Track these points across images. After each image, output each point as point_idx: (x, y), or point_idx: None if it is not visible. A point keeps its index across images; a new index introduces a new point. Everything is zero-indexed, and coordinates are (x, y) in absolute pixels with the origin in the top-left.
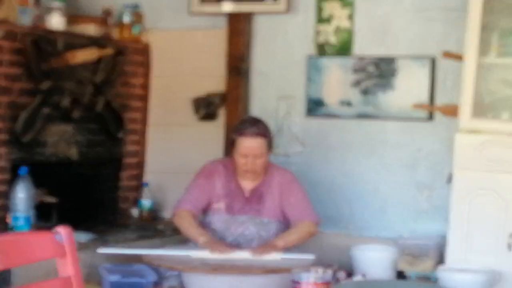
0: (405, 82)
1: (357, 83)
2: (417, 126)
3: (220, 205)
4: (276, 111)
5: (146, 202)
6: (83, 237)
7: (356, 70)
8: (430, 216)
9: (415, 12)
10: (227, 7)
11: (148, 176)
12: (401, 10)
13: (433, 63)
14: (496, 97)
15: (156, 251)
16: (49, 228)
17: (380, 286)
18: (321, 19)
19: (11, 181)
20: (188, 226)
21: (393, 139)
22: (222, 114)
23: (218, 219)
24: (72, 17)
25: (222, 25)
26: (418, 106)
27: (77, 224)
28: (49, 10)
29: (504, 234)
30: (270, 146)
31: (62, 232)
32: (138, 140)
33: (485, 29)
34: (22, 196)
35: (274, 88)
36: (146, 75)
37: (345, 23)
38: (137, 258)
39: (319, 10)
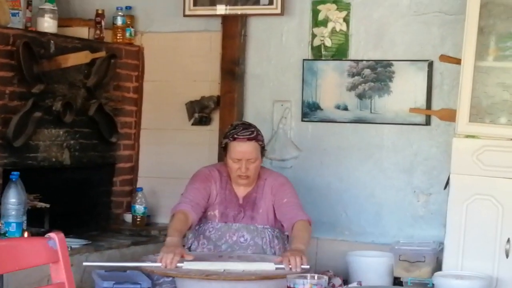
0: (401, 86)
1: (353, 87)
2: (414, 130)
3: (214, 213)
4: (271, 115)
5: (139, 207)
6: (76, 242)
7: (352, 74)
8: (427, 221)
9: (412, 16)
10: (221, 10)
11: (141, 181)
12: (398, 13)
13: (430, 67)
14: (494, 101)
15: (145, 264)
16: (41, 233)
17: None
18: (317, 22)
19: (3, 186)
20: (170, 225)
21: (389, 143)
22: (216, 118)
23: (212, 227)
24: (65, 20)
25: (216, 28)
26: (415, 110)
27: (69, 230)
28: (41, 12)
29: (501, 239)
30: (263, 150)
31: (55, 237)
32: (131, 145)
33: (482, 33)
34: (14, 201)
35: (269, 92)
36: (139, 78)
37: (341, 26)
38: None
39: (315, 13)
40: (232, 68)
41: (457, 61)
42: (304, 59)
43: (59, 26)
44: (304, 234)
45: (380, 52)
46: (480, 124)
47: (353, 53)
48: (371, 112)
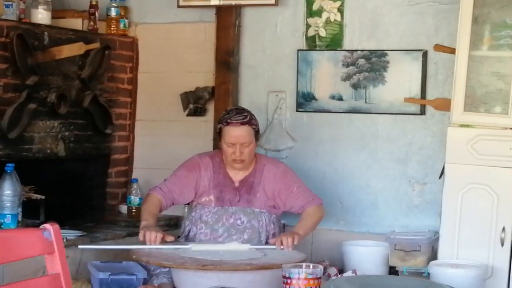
0: (396, 76)
1: (348, 77)
2: (409, 120)
3: (210, 198)
4: (266, 106)
5: (134, 198)
6: (71, 234)
7: (346, 64)
8: (422, 211)
9: (406, 5)
10: (215, 1)
11: (137, 172)
12: (392, 3)
13: (424, 56)
14: (488, 91)
15: (139, 246)
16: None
17: (371, 281)
18: (311, 12)
19: None
20: (143, 209)
21: (384, 133)
22: (211, 109)
23: (209, 211)
24: (58, 11)
25: (211, 18)
26: (410, 100)
27: (65, 221)
28: (34, 4)
29: (496, 228)
30: (257, 134)
31: (50, 229)
32: (126, 136)
33: (477, 22)
34: (9, 193)
35: (263, 83)
36: (134, 69)
37: (335, 17)
38: (126, 255)
39: (309, 3)
40: (227, 59)
41: (452, 51)
42: (298, 50)
43: (53, 17)
44: (307, 221)
45: (374, 42)
46: (475, 113)
47: (347, 43)
48: (365, 102)
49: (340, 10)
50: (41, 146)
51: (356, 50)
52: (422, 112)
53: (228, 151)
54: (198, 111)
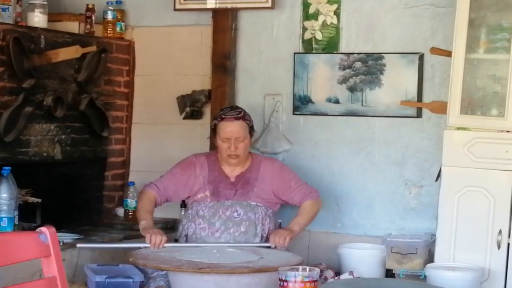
0: (392, 78)
1: (344, 80)
2: (405, 123)
3: (205, 194)
4: (262, 109)
5: (131, 202)
6: (68, 237)
7: (343, 67)
8: (419, 213)
9: (403, 9)
10: (211, 4)
11: (133, 175)
12: (388, 6)
13: (421, 59)
14: (485, 94)
15: (135, 245)
16: (33, 228)
17: (368, 284)
18: (308, 15)
19: None
20: (140, 207)
21: (381, 136)
22: (207, 112)
23: (205, 206)
24: (55, 14)
25: (207, 21)
26: (406, 103)
27: (61, 224)
28: (31, 7)
29: (492, 231)
30: (251, 130)
31: (46, 232)
32: (123, 139)
33: (473, 25)
34: (6, 196)
35: (260, 86)
36: (130, 72)
37: (331, 20)
38: (123, 258)
39: (306, 6)
40: (223, 62)
41: (448, 54)
42: (295, 53)
43: (49, 21)
44: (304, 217)
45: (371, 45)
46: (471, 116)
47: (344, 46)
48: (362, 105)
49: (337, 13)
50: (37, 149)
51: (353, 53)
52: (419, 115)
53: (223, 147)
54: (195, 114)
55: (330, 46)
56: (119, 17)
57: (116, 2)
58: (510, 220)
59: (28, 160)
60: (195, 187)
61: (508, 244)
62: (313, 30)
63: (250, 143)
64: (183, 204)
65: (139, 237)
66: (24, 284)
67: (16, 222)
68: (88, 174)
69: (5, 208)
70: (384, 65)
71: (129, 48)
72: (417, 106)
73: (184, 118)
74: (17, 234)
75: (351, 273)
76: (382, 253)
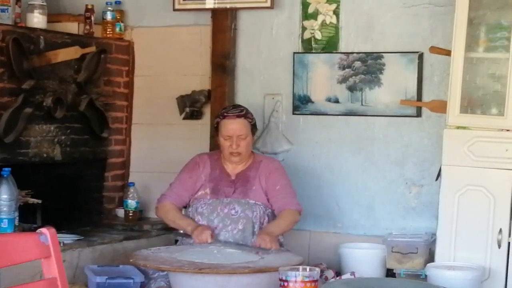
0: (392, 78)
1: (344, 80)
2: (405, 122)
3: (206, 191)
4: (262, 109)
5: (131, 202)
6: (68, 238)
7: (342, 67)
8: (419, 213)
9: (402, 8)
10: (210, 4)
11: (133, 176)
12: (388, 5)
13: (420, 58)
14: (484, 92)
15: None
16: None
17: (369, 284)
18: (307, 15)
19: None
20: (174, 218)
21: (380, 135)
22: (207, 112)
23: (204, 203)
24: (54, 15)
25: (206, 21)
26: (406, 102)
27: (61, 225)
28: (30, 8)
29: (493, 230)
30: (253, 128)
31: (46, 233)
32: (123, 140)
33: (472, 24)
34: (6, 197)
35: (260, 86)
36: (130, 73)
37: (331, 19)
38: (123, 259)
39: (305, 6)
40: (223, 62)
41: (447, 53)
42: (294, 52)
43: (49, 21)
44: (281, 220)
45: (370, 44)
46: (471, 115)
47: (343, 46)
48: (362, 104)
49: (336, 12)
50: (37, 150)
51: (352, 53)
52: (418, 114)
53: (225, 144)
54: (195, 115)
55: (330, 45)
56: (118, 17)
57: (115, 2)
58: (511, 219)
59: (28, 161)
60: (196, 185)
61: (509, 243)
62: (312, 29)
63: (252, 141)
64: None
65: (140, 238)
66: (25, 285)
67: (17, 223)
68: (88, 175)
69: (5, 209)
70: (384, 65)
71: (129, 48)
72: (417, 105)
73: (184, 119)
74: (17, 235)
75: (352, 273)
76: (383, 253)
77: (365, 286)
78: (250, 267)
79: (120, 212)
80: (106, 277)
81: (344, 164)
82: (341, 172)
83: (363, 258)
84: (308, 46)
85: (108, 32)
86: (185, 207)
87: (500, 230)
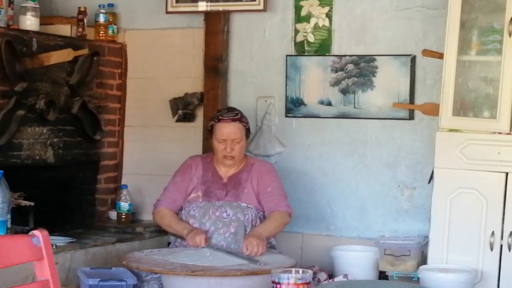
0: (385, 81)
1: (336, 82)
2: (398, 125)
3: (198, 194)
4: (255, 112)
5: (124, 205)
6: (61, 240)
7: (335, 69)
8: (411, 215)
9: (394, 11)
10: (203, 6)
11: (126, 178)
12: (380, 8)
13: (413, 61)
14: (477, 95)
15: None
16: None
17: (361, 286)
18: (300, 18)
19: None
20: (169, 223)
21: (373, 138)
22: (200, 115)
23: (196, 206)
24: (47, 17)
25: (199, 24)
26: (398, 105)
27: (54, 228)
28: (23, 10)
29: (485, 233)
30: (247, 133)
31: (39, 235)
32: (116, 142)
33: (465, 27)
34: None
35: (252, 88)
36: (123, 75)
37: (323, 22)
38: (116, 262)
39: (298, 8)
40: (215, 65)
41: (440, 56)
42: (287, 55)
43: (41, 24)
44: (271, 222)
45: (363, 47)
46: (464, 118)
47: (336, 49)
48: (354, 107)
49: (329, 15)
50: (30, 152)
51: (345, 56)
52: (411, 117)
53: (219, 148)
54: (187, 117)
55: (322, 48)
56: (111, 20)
57: (108, 5)
58: (503, 222)
59: (21, 164)
60: (189, 187)
61: (501, 245)
62: (305, 32)
63: (246, 145)
64: None
65: (132, 240)
66: (17, 287)
67: (9, 225)
68: (80, 177)
69: None
70: (376, 67)
71: (121, 51)
72: (409, 108)
73: (176, 121)
74: (9, 238)
75: (345, 276)
76: (375, 255)
77: None
78: (243, 269)
79: (113, 215)
80: (99, 279)
81: (336, 167)
82: (334, 174)
83: (356, 261)
84: (300, 48)
85: (100, 35)
86: (181, 210)
87: (493, 233)
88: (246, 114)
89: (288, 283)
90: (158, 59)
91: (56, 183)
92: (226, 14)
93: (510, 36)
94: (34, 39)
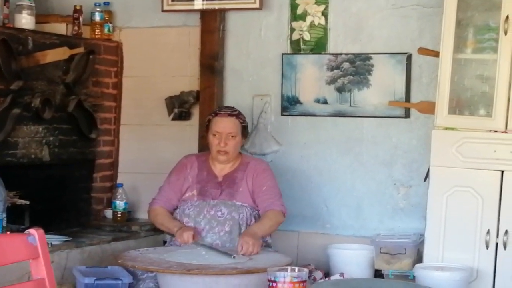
0: (380, 79)
1: (332, 81)
2: (393, 123)
3: (193, 193)
4: (251, 110)
5: (120, 203)
6: (57, 239)
7: (331, 68)
8: (407, 214)
9: (390, 9)
10: (198, 5)
11: (122, 177)
12: (376, 7)
13: (408, 59)
14: (472, 93)
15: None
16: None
17: (357, 285)
18: (296, 16)
19: None
20: (162, 221)
21: (369, 136)
22: (196, 113)
23: (191, 205)
24: (42, 16)
25: (195, 22)
26: (394, 103)
27: (50, 226)
28: (18, 9)
29: (481, 231)
30: (244, 130)
31: (35, 233)
32: (111, 140)
33: (460, 25)
34: None
35: (248, 87)
36: (118, 74)
37: (319, 20)
38: (112, 260)
39: (293, 7)
40: (211, 63)
41: (436, 54)
42: (283, 53)
43: (37, 22)
44: (266, 221)
45: (358, 45)
46: (459, 116)
47: (332, 47)
48: (350, 105)
49: (324, 14)
50: (25, 151)
51: (341, 54)
52: (407, 115)
53: (213, 142)
54: (183, 115)
55: (318, 46)
56: (106, 18)
57: (104, 3)
58: (498, 220)
59: (16, 162)
60: (184, 186)
61: (496, 243)
62: (301, 31)
63: (241, 142)
64: None
65: (128, 239)
66: (13, 286)
67: (4, 224)
68: (76, 175)
69: None
70: (372, 66)
71: (117, 49)
72: (405, 107)
73: (172, 119)
74: (5, 236)
75: (341, 274)
76: (371, 254)
77: (354, 286)
78: (239, 268)
79: (109, 213)
80: (95, 278)
81: (332, 165)
82: (330, 173)
83: (352, 259)
84: (296, 47)
85: (96, 33)
86: (176, 209)
87: (488, 231)
88: (242, 112)
89: (284, 282)
90: (154, 58)
91: (52, 182)
92: (222, 12)
93: (505, 34)
94: (29, 38)
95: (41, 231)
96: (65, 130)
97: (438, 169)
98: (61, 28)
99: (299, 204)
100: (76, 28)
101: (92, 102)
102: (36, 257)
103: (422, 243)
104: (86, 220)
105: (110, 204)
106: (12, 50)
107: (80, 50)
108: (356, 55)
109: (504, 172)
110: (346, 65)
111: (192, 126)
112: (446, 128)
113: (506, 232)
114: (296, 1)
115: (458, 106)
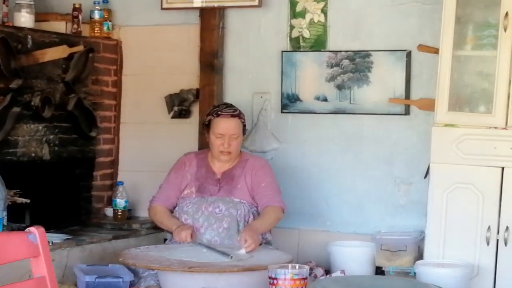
0: (380, 76)
1: (332, 78)
2: (394, 120)
3: (191, 190)
4: (251, 108)
5: (120, 201)
6: (57, 237)
7: (331, 65)
8: (408, 211)
9: (390, 6)
10: (198, 2)
11: (122, 175)
12: (376, 4)
13: (408, 56)
14: (472, 90)
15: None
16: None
17: (358, 281)
18: (295, 14)
19: None
20: (161, 219)
21: (369, 134)
22: (195, 111)
23: (189, 202)
24: (42, 14)
25: (194, 20)
26: (394, 100)
27: (50, 225)
28: (17, 7)
29: (481, 227)
30: (244, 129)
31: (35, 232)
32: (111, 139)
33: (460, 22)
34: None
35: (248, 84)
36: (118, 72)
37: (319, 18)
38: (113, 258)
39: (293, 4)
40: (211, 61)
41: (435, 51)
42: (282, 51)
43: (36, 21)
44: (266, 218)
45: (358, 42)
46: (459, 113)
47: (331, 44)
48: (350, 102)
49: (324, 11)
50: (25, 149)
51: (340, 51)
52: (407, 112)
53: (216, 143)
54: (183, 113)
55: (318, 44)
56: (106, 16)
57: (103, 1)
58: (499, 216)
59: (16, 161)
60: (183, 184)
61: (497, 240)
62: (300, 28)
63: (242, 141)
64: None
65: (129, 237)
66: (14, 284)
67: (5, 223)
68: (76, 174)
69: None
70: (372, 63)
71: (117, 47)
72: (405, 104)
73: (172, 117)
74: (5, 235)
75: (342, 271)
76: (372, 251)
77: (354, 284)
78: (240, 265)
79: (109, 211)
80: (95, 276)
81: (333, 163)
82: (330, 170)
83: (352, 256)
84: (296, 44)
85: (96, 31)
86: (176, 207)
87: (489, 228)
88: (242, 110)
89: (285, 279)
90: (154, 56)
91: (52, 180)
92: (221, 10)
93: (505, 31)
94: (29, 36)
95: (42, 229)
96: (65, 129)
97: (439, 166)
98: (60, 27)
99: (300, 202)
100: (75, 26)
101: (92, 100)
102: (37, 255)
103: (422, 240)
104: (87, 219)
105: (110, 202)
106: (11, 48)
107: (80, 48)
108: (356, 52)
109: (505, 169)
110: (345, 62)
111: (192, 124)
112: (446, 125)
113: (507, 228)
114: None
115: (458, 103)
